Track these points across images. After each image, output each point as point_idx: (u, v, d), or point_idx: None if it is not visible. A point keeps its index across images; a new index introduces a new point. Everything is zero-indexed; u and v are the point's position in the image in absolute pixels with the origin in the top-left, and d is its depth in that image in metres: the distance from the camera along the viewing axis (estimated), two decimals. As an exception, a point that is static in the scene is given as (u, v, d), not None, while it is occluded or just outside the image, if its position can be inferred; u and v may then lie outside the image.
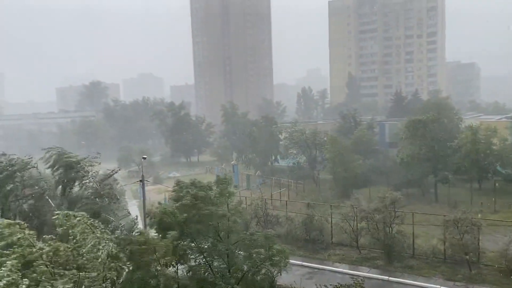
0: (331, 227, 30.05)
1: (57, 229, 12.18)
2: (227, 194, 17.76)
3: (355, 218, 28.23)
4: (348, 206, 29.82)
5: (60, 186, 21.64)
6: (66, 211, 12.81)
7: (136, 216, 25.52)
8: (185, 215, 16.50)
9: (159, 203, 19.15)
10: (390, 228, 26.63)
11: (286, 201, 37.86)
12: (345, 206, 31.11)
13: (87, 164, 22.21)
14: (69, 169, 21.69)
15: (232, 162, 68.37)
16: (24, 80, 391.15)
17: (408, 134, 44.30)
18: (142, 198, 32.22)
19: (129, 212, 24.90)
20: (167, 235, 16.25)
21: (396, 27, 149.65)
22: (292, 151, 59.89)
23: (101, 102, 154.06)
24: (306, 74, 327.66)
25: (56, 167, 21.96)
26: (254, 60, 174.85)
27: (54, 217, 12.38)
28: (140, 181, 30.91)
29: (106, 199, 21.17)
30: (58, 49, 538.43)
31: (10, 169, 20.90)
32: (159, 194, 49.95)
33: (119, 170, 25.52)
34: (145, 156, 37.78)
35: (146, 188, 35.73)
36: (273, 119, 71.48)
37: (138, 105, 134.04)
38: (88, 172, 21.80)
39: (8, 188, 20.11)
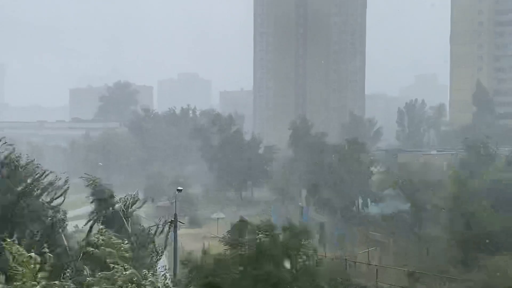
0: (445, 310, 28.67)
1: None
2: (300, 252, 17.61)
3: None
4: (472, 280, 28.25)
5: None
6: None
7: (164, 267, 26.05)
8: (240, 269, 16.53)
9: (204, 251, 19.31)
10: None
11: (377, 266, 36.79)
12: (470, 280, 29.56)
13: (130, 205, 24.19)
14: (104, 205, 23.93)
15: (300, 203, 67.91)
16: (30, 76, 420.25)
17: None
18: (174, 246, 32.82)
19: (164, 269, 25.75)
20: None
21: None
22: (389, 193, 58.91)
23: (128, 110, 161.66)
24: (414, 81, 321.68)
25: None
26: (338, 60, 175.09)
27: None
28: (172, 222, 31.53)
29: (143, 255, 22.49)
30: (75, 38, 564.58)
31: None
32: (196, 241, 50.63)
33: (143, 203, 26.84)
34: (180, 188, 38.88)
35: (179, 232, 36.38)
36: (363, 144, 70.67)
37: (176, 116, 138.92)
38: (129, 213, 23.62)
39: None
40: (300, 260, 18.15)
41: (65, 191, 26.07)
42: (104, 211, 24.21)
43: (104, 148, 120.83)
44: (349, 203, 65.18)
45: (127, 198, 25.27)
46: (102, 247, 13.88)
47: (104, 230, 14.52)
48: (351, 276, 33.95)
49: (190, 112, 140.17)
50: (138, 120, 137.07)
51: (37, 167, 25.50)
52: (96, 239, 14.07)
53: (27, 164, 25.08)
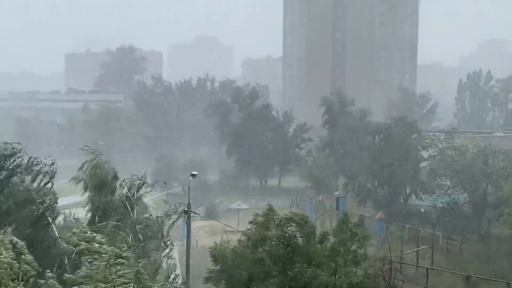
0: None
1: None
2: (351, 254, 17.74)
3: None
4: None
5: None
6: None
7: (174, 264, 26.54)
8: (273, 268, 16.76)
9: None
10: None
11: (428, 268, 36.94)
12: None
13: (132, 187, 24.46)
14: (104, 189, 24.10)
15: (337, 193, 67.93)
16: (17, 37, 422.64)
17: None
18: (186, 239, 33.23)
19: (173, 266, 26.21)
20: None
21: None
22: (444, 182, 58.70)
23: (133, 80, 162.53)
24: (477, 49, 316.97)
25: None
26: (384, 23, 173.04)
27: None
28: (185, 212, 31.87)
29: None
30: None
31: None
32: (212, 235, 51.11)
33: (150, 188, 27.07)
34: (195, 173, 38.97)
35: (193, 224, 36.75)
36: (414, 124, 70.20)
37: (191, 87, 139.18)
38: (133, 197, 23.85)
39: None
40: (341, 262, 18.32)
41: (53, 175, 26.36)
42: (104, 197, 24.43)
43: (105, 124, 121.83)
44: (395, 193, 65.21)
45: (133, 180, 25.48)
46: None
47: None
48: (397, 279, 34.00)
49: (208, 83, 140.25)
50: (145, 92, 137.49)
51: (15, 148, 25.86)
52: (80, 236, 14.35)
53: (4, 144, 25.54)
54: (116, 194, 24.63)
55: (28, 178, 25.85)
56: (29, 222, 24.12)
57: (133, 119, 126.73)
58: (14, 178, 25.26)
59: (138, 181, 25.55)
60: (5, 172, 25.00)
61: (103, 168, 24.92)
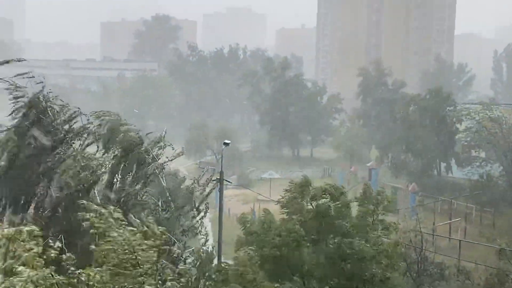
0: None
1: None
2: (379, 223, 17.61)
3: None
4: None
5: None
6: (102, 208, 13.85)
7: (206, 234, 26.65)
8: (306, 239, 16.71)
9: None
10: None
11: (460, 240, 36.69)
12: None
13: (154, 146, 23.86)
14: (129, 152, 23.42)
15: (370, 164, 67.64)
16: (55, 7, 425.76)
17: None
18: (219, 208, 33.45)
19: (205, 233, 26.19)
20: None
21: None
22: (479, 155, 58.06)
23: (167, 49, 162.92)
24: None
25: (109, 145, 23.84)
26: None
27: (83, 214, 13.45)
28: (217, 180, 32.01)
29: (175, 211, 22.62)
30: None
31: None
32: (244, 204, 51.44)
33: (181, 153, 26.93)
34: (228, 141, 39.03)
35: (225, 192, 36.91)
36: (450, 96, 69.21)
37: (224, 57, 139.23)
38: (157, 161, 23.39)
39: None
40: (374, 233, 18.22)
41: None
42: (128, 157, 23.91)
43: (139, 92, 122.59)
44: (429, 165, 64.77)
45: (156, 139, 25.15)
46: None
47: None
48: (428, 251, 33.83)
49: (240, 52, 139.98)
50: (179, 61, 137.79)
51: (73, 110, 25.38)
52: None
53: (62, 107, 24.96)
54: (143, 158, 24.21)
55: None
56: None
57: (166, 89, 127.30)
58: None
59: (162, 143, 25.09)
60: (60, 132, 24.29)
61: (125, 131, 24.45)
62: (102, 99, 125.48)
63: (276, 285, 16.13)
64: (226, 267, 17.22)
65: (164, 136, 25.18)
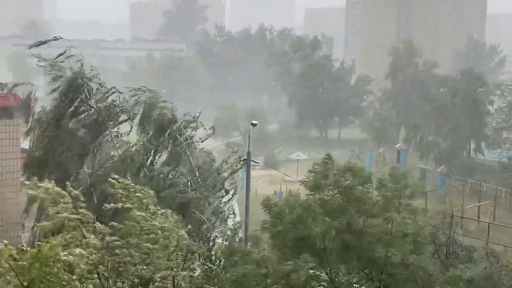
0: None
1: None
2: (400, 204, 17.38)
3: None
4: None
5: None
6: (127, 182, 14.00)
7: (233, 213, 26.83)
8: (327, 221, 16.64)
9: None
10: None
11: (489, 223, 36.36)
12: None
13: (187, 126, 24.01)
14: (163, 130, 23.61)
15: (398, 146, 67.23)
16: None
17: None
18: (246, 189, 33.57)
19: (233, 214, 26.32)
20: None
21: None
22: (510, 136, 57.97)
23: (195, 30, 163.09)
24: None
25: (144, 124, 24.05)
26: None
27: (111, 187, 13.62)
28: (244, 160, 32.02)
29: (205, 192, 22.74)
30: None
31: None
32: (271, 184, 51.53)
33: (213, 133, 26.96)
34: (255, 122, 39.02)
35: (252, 173, 36.98)
36: (481, 76, 68.37)
37: (252, 37, 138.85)
38: (190, 140, 23.51)
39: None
40: (399, 215, 18.01)
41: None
42: (163, 135, 24.10)
43: (168, 72, 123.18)
44: (459, 147, 64.28)
45: (188, 120, 25.21)
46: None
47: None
48: (457, 233, 33.62)
49: (267, 32, 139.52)
50: (207, 42, 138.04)
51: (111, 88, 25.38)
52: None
53: (100, 85, 25.15)
54: (175, 137, 24.27)
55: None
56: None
57: (195, 69, 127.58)
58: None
59: (195, 124, 25.15)
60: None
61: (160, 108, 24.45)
62: (131, 79, 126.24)
63: (288, 263, 16.16)
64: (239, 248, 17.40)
65: (198, 117, 25.34)
